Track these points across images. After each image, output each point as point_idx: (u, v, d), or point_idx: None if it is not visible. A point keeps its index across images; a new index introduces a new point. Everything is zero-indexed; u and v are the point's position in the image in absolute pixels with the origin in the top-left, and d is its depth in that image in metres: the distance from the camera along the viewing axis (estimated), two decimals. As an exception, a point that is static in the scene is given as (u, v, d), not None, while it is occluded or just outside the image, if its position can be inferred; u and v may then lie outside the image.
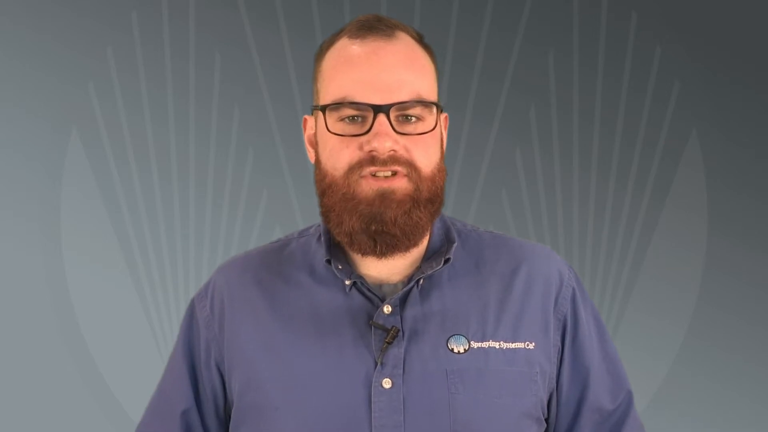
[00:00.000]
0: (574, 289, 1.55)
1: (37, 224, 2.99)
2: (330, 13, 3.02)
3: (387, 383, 1.42)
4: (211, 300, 1.55)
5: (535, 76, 3.12)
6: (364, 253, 1.45)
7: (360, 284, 1.48)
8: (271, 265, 1.54)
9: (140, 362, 2.96)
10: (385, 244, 1.43)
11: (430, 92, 1.46)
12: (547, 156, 3.13)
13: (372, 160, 1.41)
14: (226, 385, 1.52)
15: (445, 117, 1.53)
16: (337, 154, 1.43)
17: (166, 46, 3.02)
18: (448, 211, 1.57)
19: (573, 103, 3.13)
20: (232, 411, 1.51)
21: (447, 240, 1.52)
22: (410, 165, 1.42)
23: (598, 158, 3.14)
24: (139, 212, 3.03)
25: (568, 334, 1.52)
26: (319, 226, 1.53)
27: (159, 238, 3.03)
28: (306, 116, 1.53)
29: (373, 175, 1.42)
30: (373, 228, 1.42)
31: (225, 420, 1.55)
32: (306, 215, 2.99)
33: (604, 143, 3.14)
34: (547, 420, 1.53)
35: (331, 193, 1.45)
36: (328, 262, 1.49)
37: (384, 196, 1.41)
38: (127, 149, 3.02)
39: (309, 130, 1.52)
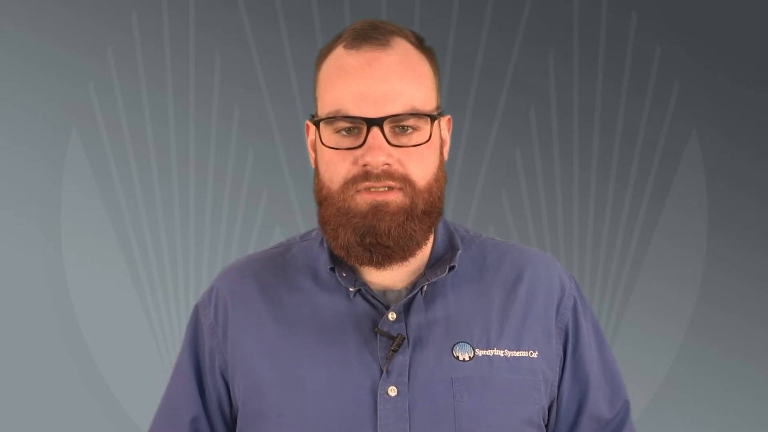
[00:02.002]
0: (575, 298, 1.55)
1: (37, 224, 2.98)
2: (330, 13, 3.02)
3: (392, 391, 1.42)
4: (215, 307, 1.54)
5: (535, 76, 3.11)
6: (362, 264, 1.46)
7: (364, 291, 1.48)
8: (274, 270, 1.54)
9: (140, 362, 2.96)
10: (381, 255, 1.43)
11: (427, 101, 1.45)
12: (547, 156, 3.13)
13: (366, 175, 1.41)
14: (231, 392, 1.52)
15: (448, 119, 1.52)
16: (333, 168, 1.43)
17: (166, 46, 3.02)
18: (448, 211, 1.57)
19: (573, 103, 3.13)
20: (238, 417, 1.51)
21: (451, 246, 1.52)
22: (404, 179, 1.42)
23: (598, 158, 3.14)
24: (139, 212, 3.02)
25: (569, 344, 1.53)
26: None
27: (159, 238, 3.03)
28: (308, 121, 1.53)
29: (368, 189, 1.41)
30: (368, 241, 1.42)
31: (232, 426, 1.55)
32: (306, 215, 2.99)
33: (604, 143, 3.14)
34: (546, 426, 1.53)
35: (327, 205, 1.45)
36: (332, 269, 1.49)
37: (377, 209, 1.41)
38: (127, 149, 3.01)
39: (311, 135, 1.52)
